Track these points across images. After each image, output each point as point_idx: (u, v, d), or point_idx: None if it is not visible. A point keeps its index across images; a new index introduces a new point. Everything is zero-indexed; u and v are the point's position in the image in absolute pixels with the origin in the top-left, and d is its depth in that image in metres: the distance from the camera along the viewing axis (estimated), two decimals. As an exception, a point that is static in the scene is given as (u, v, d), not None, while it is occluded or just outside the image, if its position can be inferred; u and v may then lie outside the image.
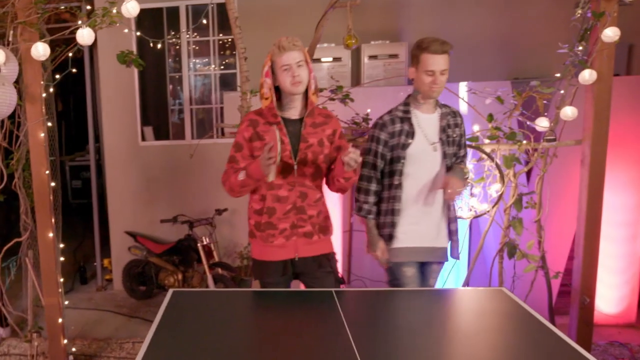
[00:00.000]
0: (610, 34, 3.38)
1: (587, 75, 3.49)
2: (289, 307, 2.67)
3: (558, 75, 3.76)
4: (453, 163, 3.18)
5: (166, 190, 5.88)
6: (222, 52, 5.98)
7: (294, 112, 2.86)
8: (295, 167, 2.83)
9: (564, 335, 2.24)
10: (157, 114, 6.11)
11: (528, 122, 3.81)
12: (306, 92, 2.84)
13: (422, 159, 3.05)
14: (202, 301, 2.70)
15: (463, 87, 4.62)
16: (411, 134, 3.03)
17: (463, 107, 4.40)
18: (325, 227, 2.98)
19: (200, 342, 2.19)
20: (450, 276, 4.12)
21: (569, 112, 3.60)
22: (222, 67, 5.99)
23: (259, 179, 2.76)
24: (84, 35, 3.12)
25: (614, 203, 4.50)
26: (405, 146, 3.03)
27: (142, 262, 5.54)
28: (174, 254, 5.46)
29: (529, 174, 4.31)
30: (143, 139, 5.90)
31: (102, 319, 5.14)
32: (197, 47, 5.93)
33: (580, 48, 3.59)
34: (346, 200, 4.99)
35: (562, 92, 3.71)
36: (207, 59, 5.98)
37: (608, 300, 4.68)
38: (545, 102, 3.74)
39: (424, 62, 2.93)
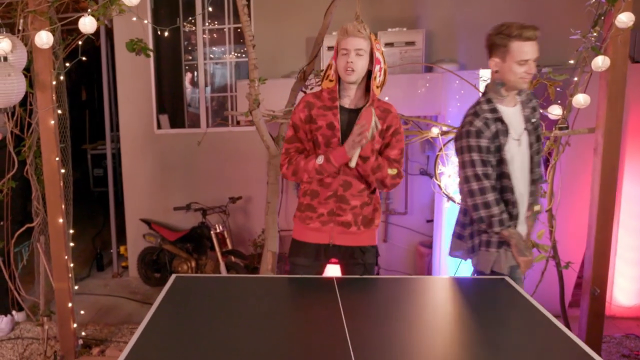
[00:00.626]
0: (625, 19, 3.28)
1: (600, 62, 3.40)
2: (288, 293, 2.68)
3: (571, 62, 3.67)
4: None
5: (181, 178, 5.92)
6: (241, 40, 5.97)
7: (347, 100, 2.82)
8: None
9: (562, 325, 2.21)
10: (173, 102, 6.14)
11: (540, 110, 3.73)
12: (368, 82, 2.79)
13: (515, 155, 2.81)
14: (203, 286, 2.73)
15: (483, 74, 4.50)
16: (505, 133, 2.77)
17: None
18: (369, 220, 2.91)
19: (196, 325, 2.21)
20: (464, 264, 4.06)
21: (581, 99, 3.52)
22: (243, 54, 5.97)
23: (340, 164, 2.73)
24: (86, 24, 3.14)
25: (634, 194, 4.40)
26: (503, 147, 2.77)
27: (156, 250, 5.60)
28: (188, 242, 5.51)
29: (546, 163, 4.23)
30: (159, 127, 5.94)
31: (115, 305, 5.21)
32: (214, 36, 5.94)
33: (595, 34, 3.50)
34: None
35: (575, 79, 3.62)
36: (223, 48, 5.98)
37: (627, 292, 4.59)
38: (559, 89, 3.65)
39: (516, 50, 2.67)
